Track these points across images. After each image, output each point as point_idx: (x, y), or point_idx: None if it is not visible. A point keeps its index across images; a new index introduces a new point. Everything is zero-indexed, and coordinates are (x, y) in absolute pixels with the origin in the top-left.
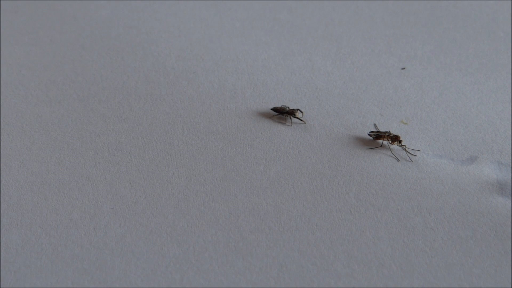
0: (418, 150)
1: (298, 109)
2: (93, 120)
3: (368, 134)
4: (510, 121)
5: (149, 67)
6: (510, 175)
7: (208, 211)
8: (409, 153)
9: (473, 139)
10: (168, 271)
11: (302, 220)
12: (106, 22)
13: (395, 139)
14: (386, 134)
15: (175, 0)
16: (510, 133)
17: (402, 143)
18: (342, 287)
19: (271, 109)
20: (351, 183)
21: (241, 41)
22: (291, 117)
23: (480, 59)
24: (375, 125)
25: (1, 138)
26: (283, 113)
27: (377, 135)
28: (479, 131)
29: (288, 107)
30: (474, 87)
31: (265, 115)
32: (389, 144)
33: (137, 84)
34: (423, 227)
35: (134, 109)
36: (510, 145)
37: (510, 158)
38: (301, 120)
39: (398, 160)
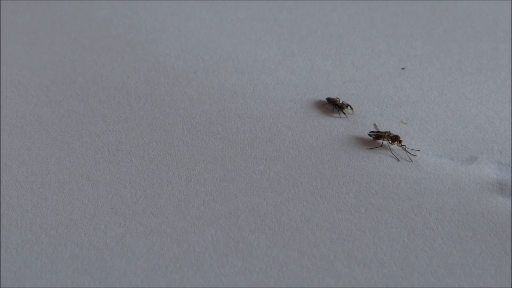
0: (418, 150)
1: (348, 105)
2: (93, 120)
3: (368, 134)
4: (510, 121)
5: (149, 67)
6: (510, 175)
7: (208, 211)
8: (409, 153)
9: (473, 139)
10: (168, 271)
11: (302, 220)
12: (106, 22)
13: (395, 139)
14: (386, 134)
15: (175, 0)
16: (510, 133)
17: (402, 143)
18: (342, 287)
19: (326, 98)
20: (351, 183)
21: (241, 41)
22: (339, 110)
23: (480, 59)
24: (375, 125)
25: (1, 138)
26: (334, 105)
27: (377, 135)
28: (479, 131)
29: (342, 100)
30: (474, 87)
31: (265, 115)
32: (389, 144)
33: (137, 84)
34: (423, 227)
35: (134, 109)
36: (510, 145)
37: (510, 158)
38: (346, 116)
39: (398, 160)
